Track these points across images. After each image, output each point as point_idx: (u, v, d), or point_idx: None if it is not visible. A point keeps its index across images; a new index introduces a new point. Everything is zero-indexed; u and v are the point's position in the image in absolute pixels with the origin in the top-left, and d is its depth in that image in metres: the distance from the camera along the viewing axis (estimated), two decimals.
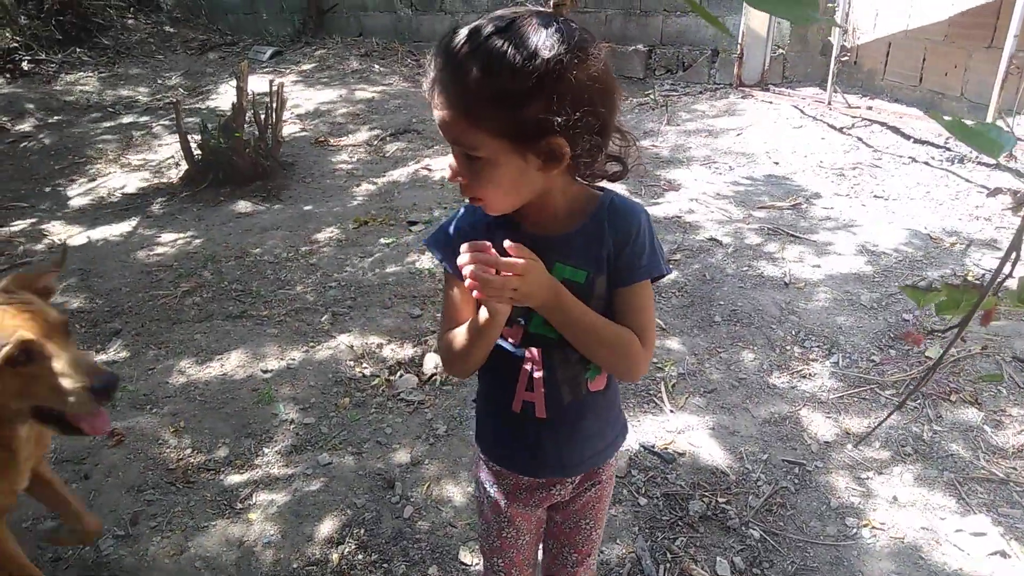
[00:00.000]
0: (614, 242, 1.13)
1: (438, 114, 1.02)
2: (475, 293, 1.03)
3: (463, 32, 0.99)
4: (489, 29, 0.97)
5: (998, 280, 0.96)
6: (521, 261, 1.04)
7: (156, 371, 2.95)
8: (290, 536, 2.17)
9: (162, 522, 2.23)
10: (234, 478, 2.39)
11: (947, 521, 2.08)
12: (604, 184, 1.16)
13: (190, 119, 5.71)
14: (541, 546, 1.49)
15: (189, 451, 2.51)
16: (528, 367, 1.20)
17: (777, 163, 4.90)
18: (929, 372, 1.25)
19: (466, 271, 1.02)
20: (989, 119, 4.24)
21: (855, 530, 2.07)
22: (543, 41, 0.96)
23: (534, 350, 1.18)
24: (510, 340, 1.20)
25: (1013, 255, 0.99)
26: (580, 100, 0.98)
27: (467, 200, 1.11)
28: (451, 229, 1.20)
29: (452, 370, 1.25)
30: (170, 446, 2.54)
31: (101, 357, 3.08)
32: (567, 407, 1.22)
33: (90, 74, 7.61)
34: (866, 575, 1.93)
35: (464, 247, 1.04)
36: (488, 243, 1.05)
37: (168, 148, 5.72)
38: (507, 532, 1.38)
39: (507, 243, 1.05)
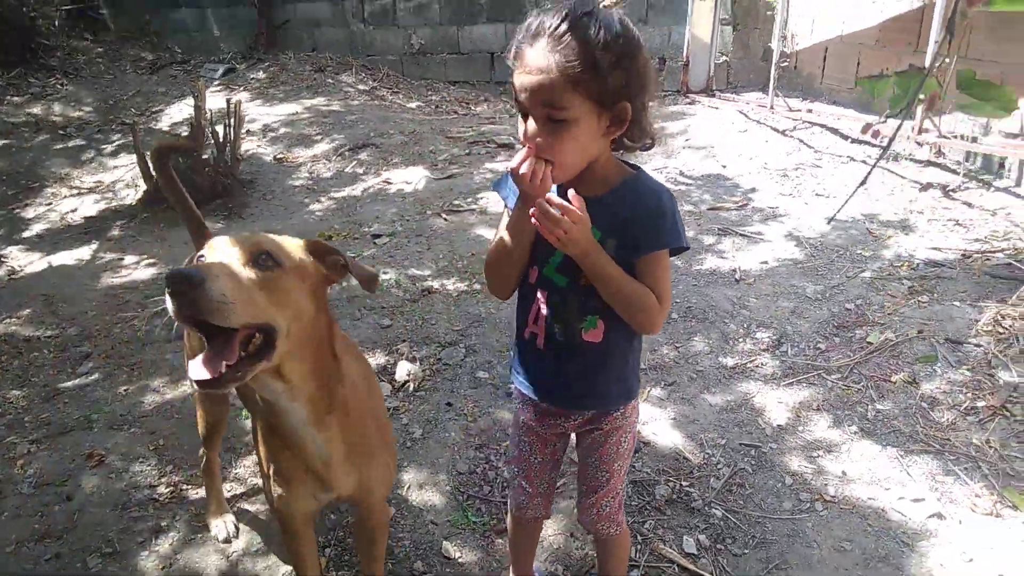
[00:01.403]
0: (631, 214, 1.35)
1: (534, 79, 1.23)
2: (533, 220, 1.28)
3: (558, 13, 1.24)
4: (578, 12, 1.23)
5: (936, 65, 1.20)
6: (576, 212, 1.27)
7: (130, 392, 2.99)
8: (276, 543, 2.25)
9: (149, 537, 2.29)
10: None
11: (891, 491, 2.26)
12: (637, 161, 1.44)
13: (145, 137, 5.69)
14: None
15: (170, 467, 2.57)
16: (536, 305, 1.46)
17: (724, 166, 5.12)
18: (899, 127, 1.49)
19: (537, 203, 1.27)
20: (916, 119, 4.51)
21: (808, 504, 2.24)
22: (621, 27, 1.24)
23: (542, 292, 1.44)
24: (530, 279, 1.46)
25: (948, 38, 1.21)
26: (640, 77, 1.27)
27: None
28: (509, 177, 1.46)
29: (487, 277, 1.52)
30: (151, 463, 2.59)
31: (72, 381, 3.11)
32: (561, 347, 1.46)
33: (37, 95, 7.49)
34: (820, 544, 2.10)
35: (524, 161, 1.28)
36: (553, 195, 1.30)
37: (123, 169, 5.70)
38: (523, 445, 1.67)
39: (571, 192, 1.29)
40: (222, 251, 1.26)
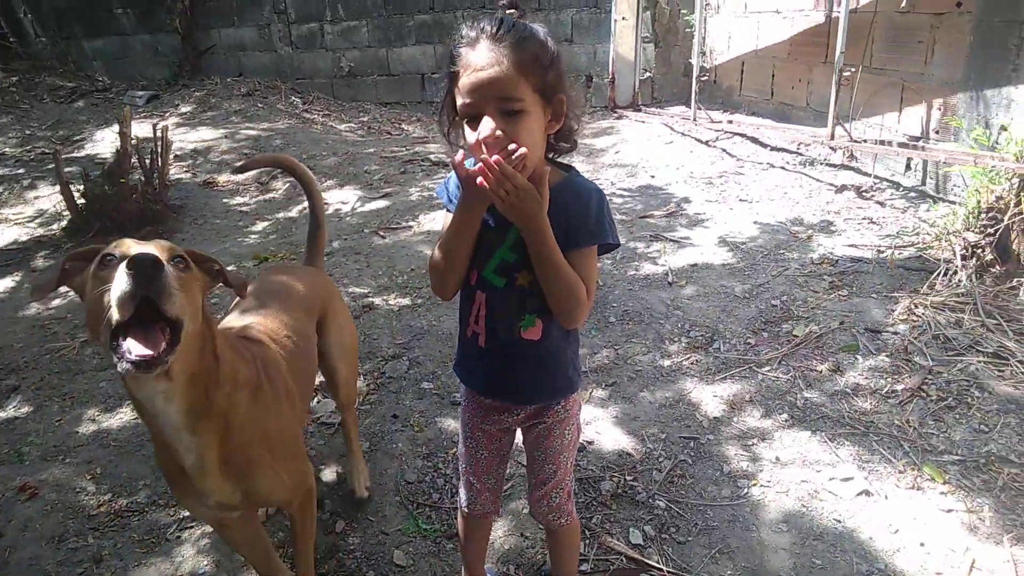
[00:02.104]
0: (566, 213, 1.41)
1: (486, 74, 1.28)
2: (480, 180, 1.27)
3: (491, 19, 1.32)
4: (511, 19, 1.33)
5: None
6: (522, 179, 1.28)
7: (64, 422, 2.90)
8: (224, 565, 2.21)
9: (89, 567, 2.22)
10: (160, 516, 2.40)
11: (821, 473, 2.38)
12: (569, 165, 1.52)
13: (69, 168, 5.52)
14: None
15: (109, 496, 2.50)
16: (477, 305, 1.51)
17: (653, 176, 5.29)
18: None
19: (482, 158, 1.26)
20: (828, 126, 4.78)
21: (746, 490, 2.34)
22: (544, 33, 1.35)
23: (481, 293, 1.50)
24: (471, 281, 1.51)
25: None
26: (565, 77, 1.38)
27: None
28: (451, 181, 1.52)
29: (431, 278, 1.53)
30: (88, 493, 2.51)
31: (0, 415, 2.99)
32: (502, 344, 1.52)
33: None
34: (759, 527, 2.19)
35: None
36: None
37: (45, 200, 5.52)
38: (470, 442, 1.72)
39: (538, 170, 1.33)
40: (149, 249, 1.30)
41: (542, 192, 1.31)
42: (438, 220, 4.63)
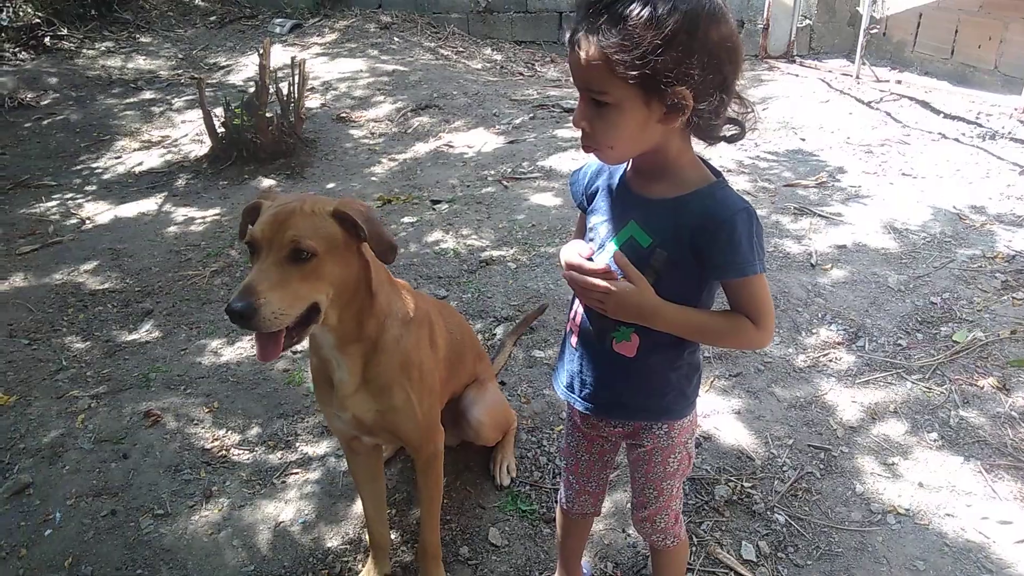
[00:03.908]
0: (697, 228, 1.21)
1: (575, 60, 1.14)
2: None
3: None
4: None
5: None
6: (604, 284, 1.25)
7: (188, 351, 3.01)
8: (324, 516, 2.23)
9: (199, 501, 2.30)
10: (269, 457, 2.46)
11: (973, 508, 2.09)
12: (721, 170, 1.33)
13: (213, 92, 5.71)
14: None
15: (224, 431, 2.58)
16: (576, 305, 1.41)
17: (803, 139, 4.83)
18: None
19: (564, 273, 1.30)
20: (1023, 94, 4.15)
21: (880, 516, 2.09)
22: (678, 1, 1.07)
23: None
24: None
25: None
26: (708, 56, 1.09)
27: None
28: (581, 175, 1.44)
29: None
30: (205, 426, 2.60)
31: (133, 337, 3.15)
32: (593, 351, 1.39)
33: (112, 48, 7.62)
34: (891, 561, 1.96)
35: (567, 251, 1.33)
36: (587, 253, 1.32)
37: (191, 124, 5.75)
38: (571, 440, 1.62)
39: (616, 255, 1.26)
40: (266, 257, 1.40)
41: (630, 275, 1.24)
42: (563, 169, 4.44)
